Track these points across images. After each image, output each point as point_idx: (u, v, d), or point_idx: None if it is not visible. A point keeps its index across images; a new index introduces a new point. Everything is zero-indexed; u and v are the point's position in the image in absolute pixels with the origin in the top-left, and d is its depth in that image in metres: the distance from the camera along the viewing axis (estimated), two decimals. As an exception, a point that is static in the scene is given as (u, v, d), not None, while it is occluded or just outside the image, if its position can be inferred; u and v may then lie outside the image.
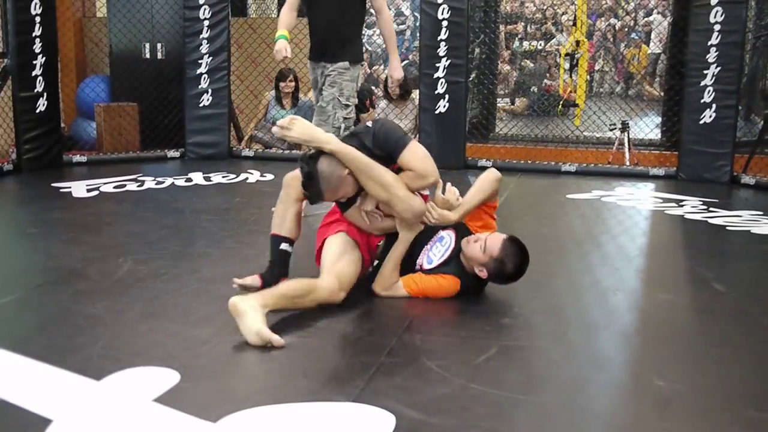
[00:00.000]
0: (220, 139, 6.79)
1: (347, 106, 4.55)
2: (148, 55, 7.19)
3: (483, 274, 3.09)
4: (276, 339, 2.62)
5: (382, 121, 3.16)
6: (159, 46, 7.13)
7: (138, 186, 5.52)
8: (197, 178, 5.84)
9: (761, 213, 4.87)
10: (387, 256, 3.18)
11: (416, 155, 3.03)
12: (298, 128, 3.00)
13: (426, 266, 3.19)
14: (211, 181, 5.78)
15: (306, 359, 2.62)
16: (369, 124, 3.11)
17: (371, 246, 3.26)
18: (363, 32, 4.66)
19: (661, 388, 2.41)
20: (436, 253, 3.20)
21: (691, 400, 2.35)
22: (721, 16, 5.72)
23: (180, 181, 5.70)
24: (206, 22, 6.60)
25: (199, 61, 6.65)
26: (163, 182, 5.65)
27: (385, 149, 3.03)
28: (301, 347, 2.71)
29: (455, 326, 2.94)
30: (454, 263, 3.16)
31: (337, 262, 3.06)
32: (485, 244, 3.04)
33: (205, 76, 6.67)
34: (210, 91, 6.70)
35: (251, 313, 2.66)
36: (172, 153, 6.79)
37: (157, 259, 3.70)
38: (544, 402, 2.32)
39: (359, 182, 3.02)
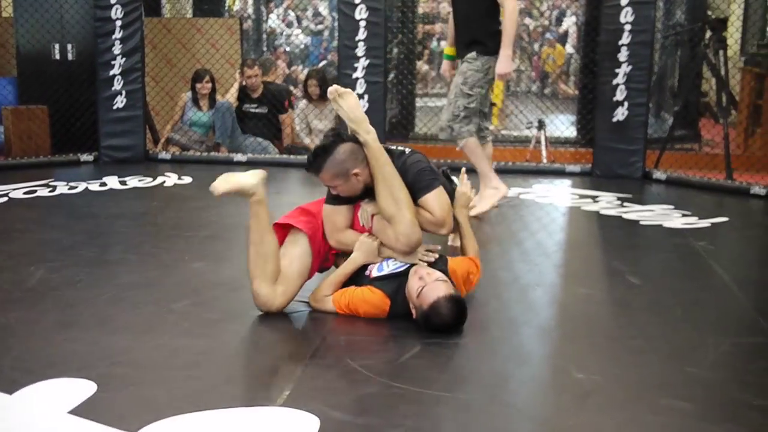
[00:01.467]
0: (135, 142, 6.64)
1: (469, 95, 4.60)
2: (58, 56, 6.97)
3: (413, 313, 2.85)
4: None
5: (419, 155, 3.06)
6: (69, 46, 6.91)
7: (50, 191, 5.35)
8: (112, 182, 5.69)
9: (672, 207, 5.03)
10: (334, 271, 3.06)
11: (440, 202, 2.98)
12: (349, 102, 2.93)
13: (374, 274, 2.98)
14: (126, 185, 5.64)
15: (229, 364, 2.59)
16: (406, 150, 3.04)
17: (326, 255, 3.13)
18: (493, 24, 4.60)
19: (580, 380, 2.46)
20: (390, 264, 2.99)
21: (608, 391, 2.41)
22: (631, 16, 5.88)
23: (94, 186, 5.55)
24: (118, 22, 6.44)
25: (112, 63, 6.48)
26: (77, 187, 5.49)
27: (410, 182, 2.95)
28: (224, 352, 2.68)
29: (378, 326, 2.93)
30: (397, 282, 2.92)
31: (287, 276, 2.97)
32: (422, 290, 2.77)
33: (119, 77, 6.51)
34: (124, 92, 6.54)
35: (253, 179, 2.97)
36: (86, 157, 6.60)
37: (71, 267, 3.59)
38: (468, 398, 2.34)
39: (375, 188, 2.93)
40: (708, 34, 6.57)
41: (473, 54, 4.60)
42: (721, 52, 6.36)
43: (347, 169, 2.89)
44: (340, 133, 2.97)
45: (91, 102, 6.65)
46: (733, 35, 7.39)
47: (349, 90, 2.96)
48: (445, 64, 5.10)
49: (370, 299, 2.91)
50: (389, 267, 2.98)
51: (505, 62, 4.53)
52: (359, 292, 2.94)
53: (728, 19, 7.11)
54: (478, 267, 3.18)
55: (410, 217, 2.90)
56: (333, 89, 2.95)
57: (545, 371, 2.63)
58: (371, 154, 2.90)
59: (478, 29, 4.61)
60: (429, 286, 2.77)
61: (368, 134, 2.90)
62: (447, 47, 5.13)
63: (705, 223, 4.63)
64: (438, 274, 2.85)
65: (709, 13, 8.04)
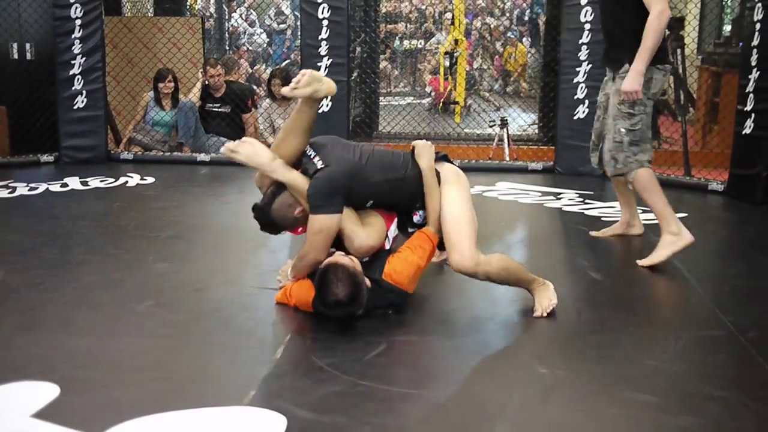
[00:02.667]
0: (96, 143, 6.56)
1: (632, 115, 3.80)
2: (16, 56, 6.87)
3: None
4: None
5: (326, 174, 2.97)
6: (28, 46, 6.81)
7: (9, 192, 5.27)
8: (73, 183, 5.62)
9: (633, 203, 5.09)
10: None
11: (313, 224, 2.94)
12: (245, 151, 2.97)
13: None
14: (88, 185, 5.58)
15: (194, 365, 2.57)
16: (319, 165, 2.99)
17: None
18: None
19: (544, 375, 2.50)
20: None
21: (572, 385, 2.44)
22: (591, 15, 5.94)
23: (55, 187, 5.48)
24: (78, 21, 6.36)
25: (72, 62, 6.40)
26: (37, 188, 5.42)
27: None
28: (188, 353, 2.66)
29: (344, 324, 2.94)
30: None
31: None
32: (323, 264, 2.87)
33: (79, 77, 6.43)
34: (84, 92, 6.46)
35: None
36: (46, 157, 6.51)
37: (32, 269, 3.55)
38: (433, 395, 2.36)
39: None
40: (666, 32, 6.66)
41: (626, 67, 3.78)
42: (678, 51, 6.47)
43: (292, 219, 3.02)
44: (255, 206, 3.06)
45: (51, 102, 6.56)
46: (690, 34, 7.52)
47: (237, 143, 3.00)
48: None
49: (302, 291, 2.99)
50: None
51: (632, 77, 3.71)
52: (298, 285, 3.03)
53: (685, 18, 7.24)
54: (429, 249, 3.10)
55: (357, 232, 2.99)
56: (223, 150, 3.00)
57: (509, 367, 2.65)
58: (289, 187, 2.98)
59: (627, 37, 3.81)
60: (328, 258, 2.85)
61: (274, 173, 2.98)
62: None
63: (665, 219, 4.70)
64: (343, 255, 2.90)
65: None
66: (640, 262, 3.75)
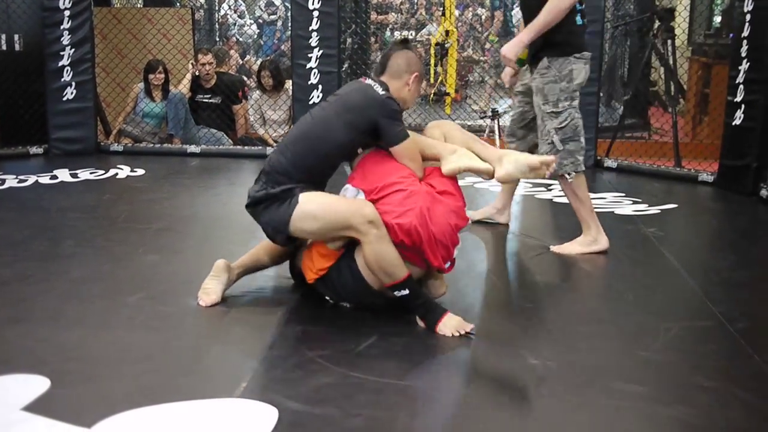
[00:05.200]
0: (86, 134, 6.53)
1: (558, 113, 3.69)
2: (4, 47, 6.82)
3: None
4: None
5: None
6: (16, 37, 6.76)
7: (-2, 185, 5.25)
8: (63, 175, 5.60)
9: (623, 194, 5.11)
10: None
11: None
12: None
13: None
14: (78, 177, 5.55)
15: (185, 357, 2.57)
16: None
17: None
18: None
19: (535, 366, 2.50)
20: None
21: (562, 376, 2.45)
22: (581, 6, 5.93)
23: (44, 179, 5.45)
24: (67, 12, 6.32)
25: (61, 53, 6.36)
26: (26, 180, 5.39)
27: None
28: (179, 345, 2.66)
29: (335, 316, 2.94)
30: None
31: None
32: None
33: (68, 68, 6.39)
34: (74, 84, 6.42)
35: None
36: (35, 149, 6.47)
37: (22, 261, 3.53)
38: (424, 387, 2.37)
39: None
40: (656, 24, 6.68)
41: (544, 62, 3.68)
42: (669, 42, 6.47)
43: None
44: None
45: (40, 93, 6.52)
46: (681, 25, 7.52)
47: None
48: (510, 69, 4.05)
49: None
50: None
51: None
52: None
53: (675, 9, 7.24)
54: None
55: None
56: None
57: (500, 358, 2.66)
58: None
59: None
60: None
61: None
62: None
63: (655, 209, 4.72)
64: None
65: (657, 3, 8.16)
66: (554, 248, 3.81)
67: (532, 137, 4.02)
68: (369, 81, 2.95)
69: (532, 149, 3.96)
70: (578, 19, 3.71)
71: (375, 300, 2.89)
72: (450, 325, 2.72)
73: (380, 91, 2.88)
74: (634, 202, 4.88)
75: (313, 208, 2.78)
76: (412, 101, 3.03)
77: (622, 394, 2.32)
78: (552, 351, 2.64)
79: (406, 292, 2.73)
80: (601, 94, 6.84)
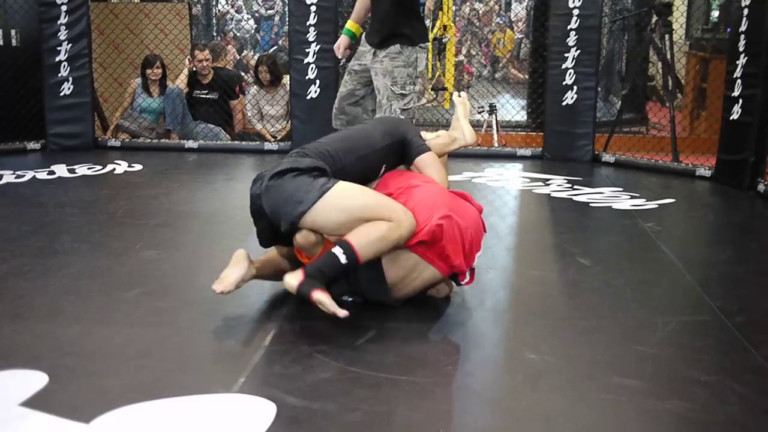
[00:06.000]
0: (83, 129, 6.52)
1: (404, 95, 4.09)
2: (1, 42, 6.80)
3: None
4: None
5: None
6: (13, 32, 6.75)
7: (-5, 180, 5.24)
8: (60, 170, 5.59)
9: (621, 189, 5.12)
10: None
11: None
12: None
13: None
14: (75, 173, 5.55)
15: (183, 352, 2.57)
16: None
17: None
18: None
19: (533, 360, 2.50)
20: None
21: (560, 371, 2.45)
22: (579, 1, 5.94)
23: (42, 174, 5.45)
24: (64, 7, 6.30)
25: (58, 48, 6.35)
26: (24, 176, 5.38)
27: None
28: (177, 340, 2.66)
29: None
30: None
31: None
32: None
33: (65, 63, 6.38)
34: (71, 79, 6.41)
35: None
36: (32, 145, 6.46)
37: (19, 257, 3.53)
38: (423, 381, 2.37)
39: None
40: (654, 18, 6.67)
41: (396, 47, 4.11)
42: (666, 37, 6.48)
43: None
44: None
45: (37, 89, 6.51)
46: (678, 20, 7.52)
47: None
48: (343, 40, 4.45)
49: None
50: None
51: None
52: None
53: (673, 3, 7.24)
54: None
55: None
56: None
57: (498, 353, 2.66)
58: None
59: (398, 16, 4.12)
60: None
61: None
62: (350, 22, 4.50)
63: (652, 204, 4.72)
64: None
65: (655, -3, 8.16)
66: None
67: (357, 112, 4.32)
68: None
69: (353, 122, 4.25)
70: (423, 11, 4.03)
71: (385, 299, 2.88)
72: (323, 300, 2.68)
73: None
74: (632, 197, 4.89)
75: (345, 202, 2.76)
76: None
77: (620, 388, 2.32)
78: (550, 346, 2.64)
79: (343, 258, 2.69)
80: (599, 89, 6.84)
